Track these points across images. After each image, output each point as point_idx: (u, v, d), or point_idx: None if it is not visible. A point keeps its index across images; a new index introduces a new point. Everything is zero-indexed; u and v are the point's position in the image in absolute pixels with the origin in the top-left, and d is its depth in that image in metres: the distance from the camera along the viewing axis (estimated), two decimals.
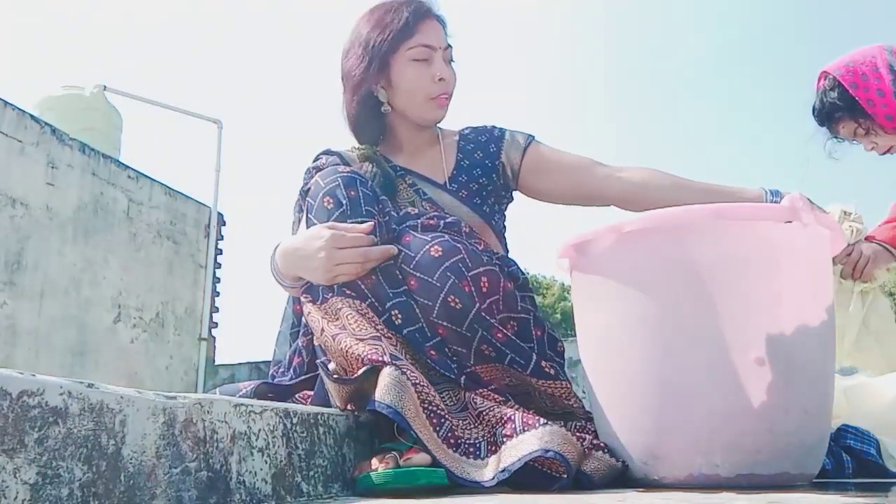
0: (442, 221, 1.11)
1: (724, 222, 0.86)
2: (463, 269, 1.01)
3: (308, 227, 1.09)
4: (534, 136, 1.40)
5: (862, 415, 1.21)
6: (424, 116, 1.34)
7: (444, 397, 0.96)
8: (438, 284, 1.00)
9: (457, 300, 1.00)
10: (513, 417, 0.91)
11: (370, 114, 1.35)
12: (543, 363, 1.03)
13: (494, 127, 1.43)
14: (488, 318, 1.01)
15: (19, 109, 5.48)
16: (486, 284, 1.02)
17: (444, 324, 1.00)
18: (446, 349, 1.02)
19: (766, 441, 0.82)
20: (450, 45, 1.34)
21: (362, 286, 1.02)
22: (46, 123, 5.69)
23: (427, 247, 1.02)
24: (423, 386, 0.90)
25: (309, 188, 1.13)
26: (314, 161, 1.35)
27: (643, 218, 0.88)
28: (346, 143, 1.42)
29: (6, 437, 0.50)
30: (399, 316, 1.01)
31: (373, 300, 1.02)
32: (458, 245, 1.03)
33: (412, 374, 0.90)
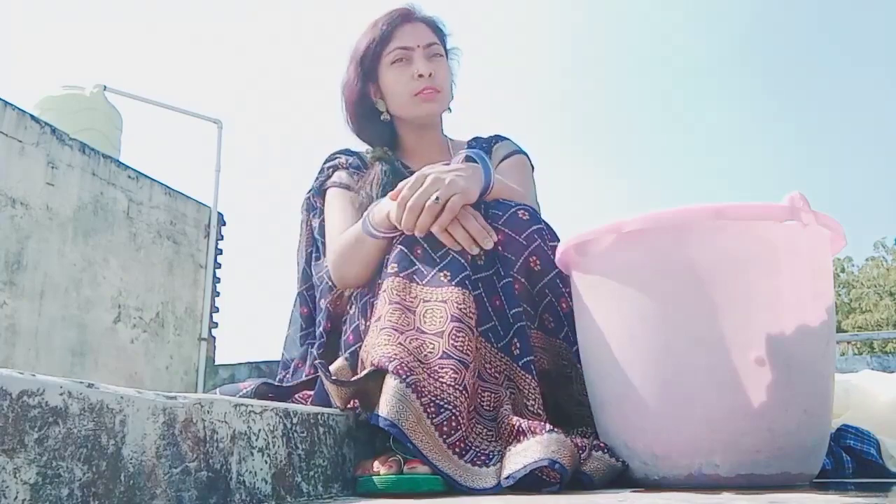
0: None
1: (723, 222, 0.86)
2: (547, 235, 1.06)
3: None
4: (526, 154, 1.41)
5: (862, 414, 1.21)
6: (414, 114, 1.37)
7: (484, 399, 0.96)
8: (525, 243, 1.05)
9: (538, 261, 1.04)
10: (522, 429, 0.90)
11: (372, 123, 1.40)
12: None
13: (498, 136, 1.44)
14: (561, 286, 1.05)
15: (19, 109, 5.48)
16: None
17: (522, 280, 1.04)
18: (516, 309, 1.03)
19: (765, 441, 0.82)
20: (437, 42, 1.37)
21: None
22: (46, 123, 5.69)
23: (515, 209, 1.07)
24: (431, 396, 0.88)
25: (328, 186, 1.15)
26: (331, 159, 1.37)
27: (643, 218, 0.88)
28: (347, 142, 1.43)
29: (6, 437, 0.50)
30: (482, 257, 1.04)
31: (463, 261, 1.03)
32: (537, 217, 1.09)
33: (419, 385, 0.88)
